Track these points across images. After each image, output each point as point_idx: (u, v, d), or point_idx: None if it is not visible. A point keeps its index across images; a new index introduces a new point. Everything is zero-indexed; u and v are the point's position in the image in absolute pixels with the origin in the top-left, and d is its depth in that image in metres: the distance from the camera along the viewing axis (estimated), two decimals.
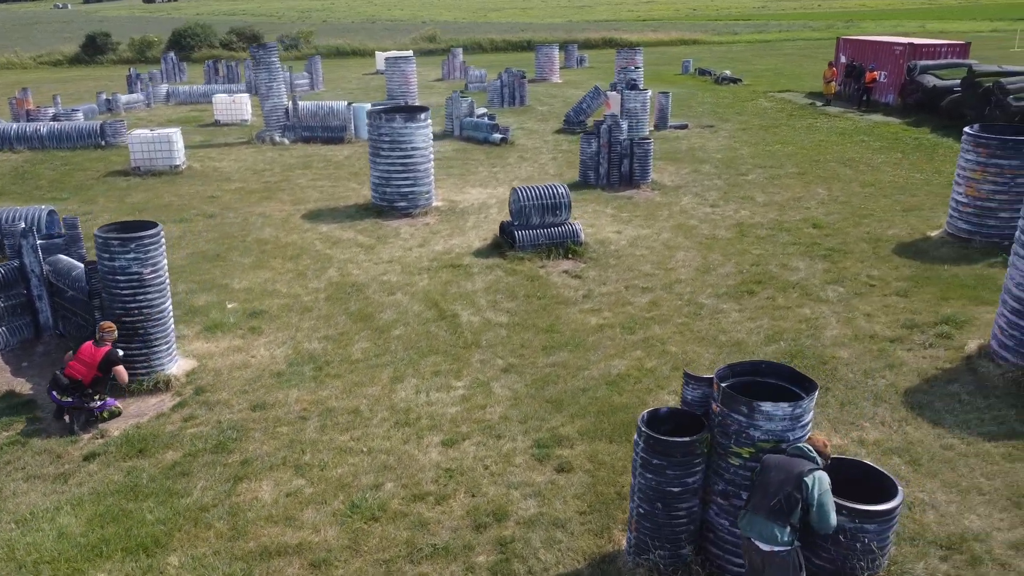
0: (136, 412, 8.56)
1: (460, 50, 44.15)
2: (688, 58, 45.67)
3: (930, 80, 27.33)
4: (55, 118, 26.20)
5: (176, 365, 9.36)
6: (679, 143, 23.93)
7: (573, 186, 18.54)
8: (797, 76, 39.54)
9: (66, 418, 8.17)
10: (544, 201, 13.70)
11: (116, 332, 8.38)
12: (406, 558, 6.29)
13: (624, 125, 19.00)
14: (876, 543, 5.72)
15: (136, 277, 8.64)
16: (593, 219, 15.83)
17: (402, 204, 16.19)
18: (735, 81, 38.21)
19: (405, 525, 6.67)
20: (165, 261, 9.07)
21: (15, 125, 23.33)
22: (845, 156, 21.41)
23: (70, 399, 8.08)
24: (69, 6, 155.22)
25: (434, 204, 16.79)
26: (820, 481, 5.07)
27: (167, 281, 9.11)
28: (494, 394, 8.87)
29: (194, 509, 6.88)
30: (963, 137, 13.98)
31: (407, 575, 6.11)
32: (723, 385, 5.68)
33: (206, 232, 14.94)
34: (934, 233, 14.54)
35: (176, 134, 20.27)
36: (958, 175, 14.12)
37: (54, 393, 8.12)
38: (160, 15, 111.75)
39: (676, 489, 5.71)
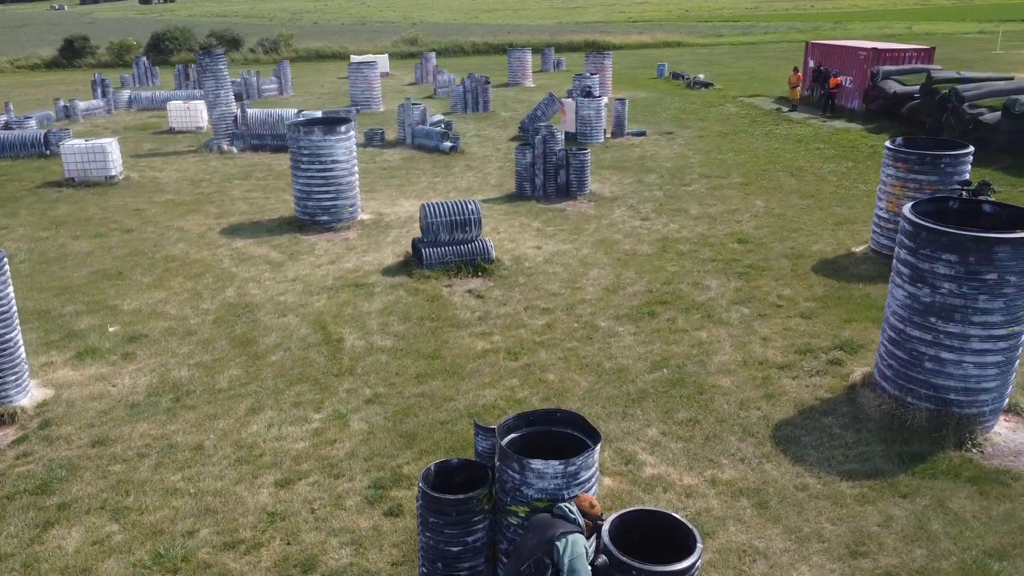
0: None
1: (433, 54, 43.84)
2: (665, 61, 45.30)
3: (891, 86, 26.99)
4: (7, 126, 25.96)
5: (28, 396, 9.06)
6: (632, 151, 23.59)
7: (508, 198, 18.32)
8: (771, 80, 39.13)
9: None
10: (453, 217, 13.38)
11: None
12: None
13: (560, 135, 18.65)
14: None
15: None
16: (517, 233, 15.51)
17: (324, 218, 15.88)
18: (707, 85, 37.86)
19: None
20: (10, 290, 8.75)
21: None
22: (794, 165, 21.06)
23: None
24: (66, 7, 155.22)
25: (359, 217, 16.48)
26: (573, 545, 4.75)
27: (13, 311, 8.79)
28: (349, 427, 8.56)
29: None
30: (884, 152, 13.65)
31: None
32: (501, 441, 5.37)
33: (117, 248, 14.64)
34: (858, 249, 14.21)
35: (112, 144, 19.97)
36: (880, 190, 13.80)
37: None
38: (152, 16, 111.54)
39: (456, 548, 5.39)
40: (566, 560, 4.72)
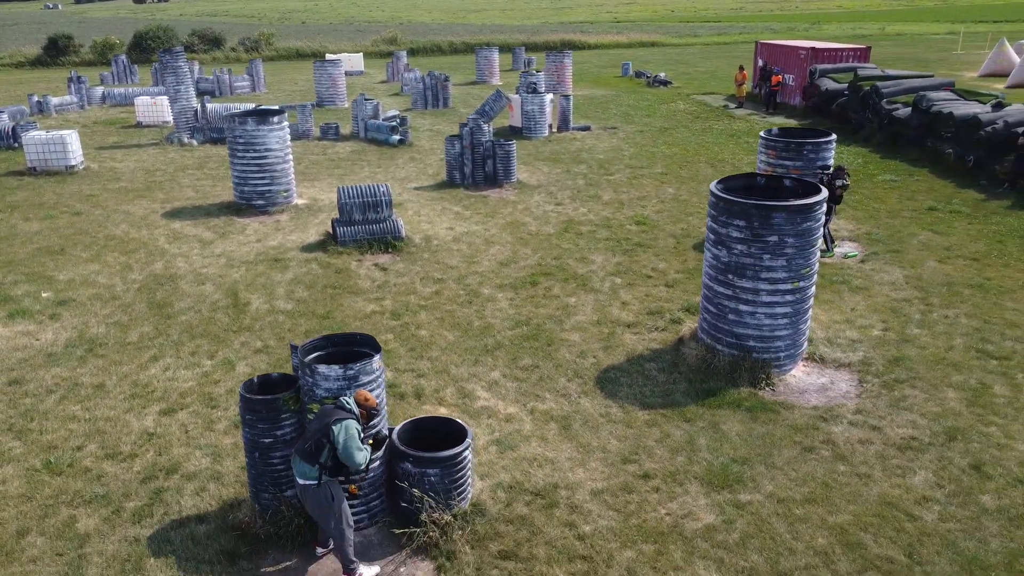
0: None
1: (404, 53, 45.13)
2: (630, 61, 46.67)
3: (826, 83, 28.37)
4: None
5: None
6: (571, 144, 24.92)
7: (439, 185, 19.66)
8: (730, 78, 40.43)
9: None
10: (366, 199, 14.73)
11: None
12: (67, 503, 7.33)
13: (488, 128, 19.97)
14: (442, 484, 6.75)
15: None
16: (436, 216, 16.85)
17: (259, 202, 17.22)
18: (665, 84, 39.21)
19: (83, 479, 7.71)
20: None
21: None
22: (718, 157, 22.41)
23: None
24: (59, 6, 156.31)
25: (294, 202, 17.81)
26: (346, 428, 6.07)
27: None
28: (234, 371, 9.91)
29: None
30: (759, 140, 15.01)
31: (60, 518, 7.14)
32: (304, 356, 6.73)
33: (64, 228, 15.97)
34: None
35: (72, 136, 21.29)
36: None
37: None
38: (144, 16, 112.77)
39: (267, 440, 6.73)
40: (340, 439, 6.04)
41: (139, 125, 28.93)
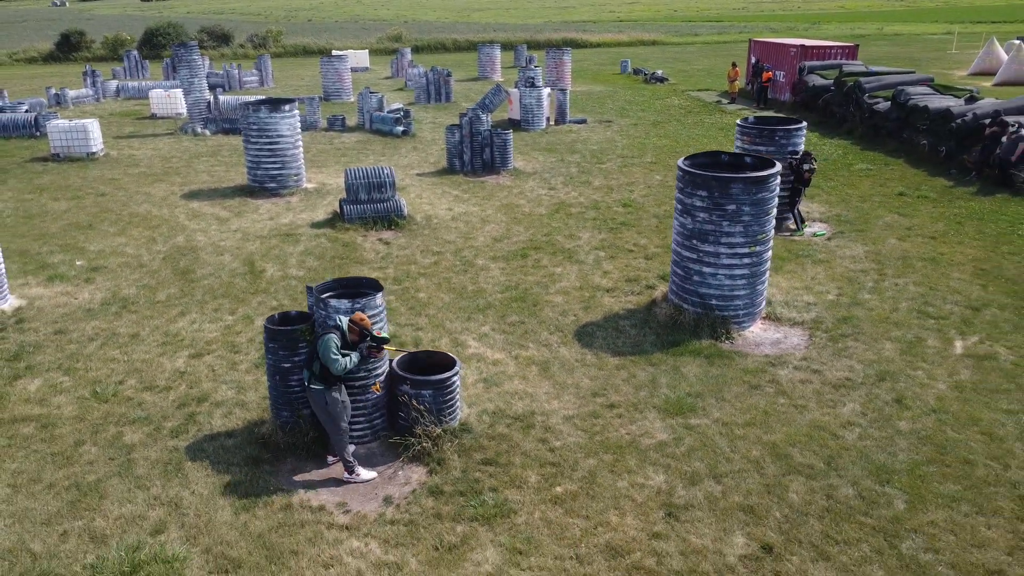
0: None
1: (408, 50, 46.34)
2: (629, 59, 47.85)
3: (814, 80, 29.54)
4: (1, 110, 28.52)
5: (7, 303, 11.64)
6: (567, 136, 26.10)
7: (440, 172, 20.87)
8: (725, 75, 41.67)
9: None
10: (371, 180, 15.95)
11: None
12: (115, 423, 8.55)
13: (486, 119, 21.17)
14: (434, 403, 7.96)
15: None
16: (436, 199, 18.06)
17: (272, 185, 18.45)
18: (662, 80, 40.36)
19: (126, 405, 8.93)
20: None
21: None
22: (707, 148, 23.55)
23: None
24: (67, 3, 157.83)
25: (304, 186, 19.04)
26: (325, 341, 7.25)
27: None
28: (253, 325, 11.13)
29: None
30: (736, 128, 16.18)
31: (109, 433, 8.37)
32: (320, 295, 7.95)
33: (90, 207, 17.22)
34: None
35: (93, 124, 22.55)
36: None
37: None
38: (151, 13, 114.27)
39: (286, 365, 7.94)
40: (321, 351, 7.26)
41: (153, 116, 30.19)
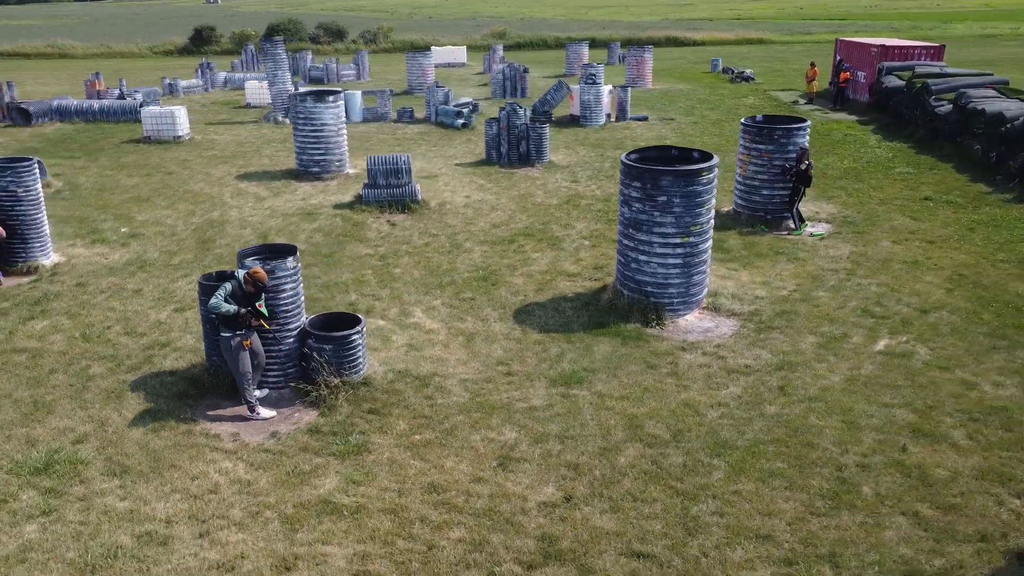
0: (9, 283, 12.89)
1: (500, 46, 47.68)
2: (719, 57, 47.29)
3: (891, 81, 28.64)
4: (120, 97, 31.93)
5: (49, 259, 13.68)
6: (621, 132, 26.60)
7: (478, 163, 21.97)
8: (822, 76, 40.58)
9: None
10: (388, 167, 17.25)
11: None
12: (88, 359, 10.16)
13: (523, 111, 22.07)
14: (334, 357, 9.07)
15: (13, 194, 12.98)
16: (460, 187, 19.17)
17: (315, 169, 20.11)
18: (748, 79, 39.88)
19: (104, 346, 10.56)
20: (39, 185, 13.36)
21: (75, 102, 29.03)
22: None
23: None
24: (219, 1, 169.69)
25: (347, 171, 20.60)
26: (219, 291, 8.46)
27: (40, 198, 13.40)
28: None
29: None
30: (740, 127, 16.40)
31: (80, 366, 9.97)
32: (242, 257, 9.22)
33: (155, 183, 19.42)
34: (725, 208, 16.99)
35: (180, 111, 25.09)
36: (738, 159, 16.55)
37: None
38: (290, 10, 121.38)
39: (213, 315, 9.26)
40: (213, 297, 8.48)
41: (248, 106, 32.84)
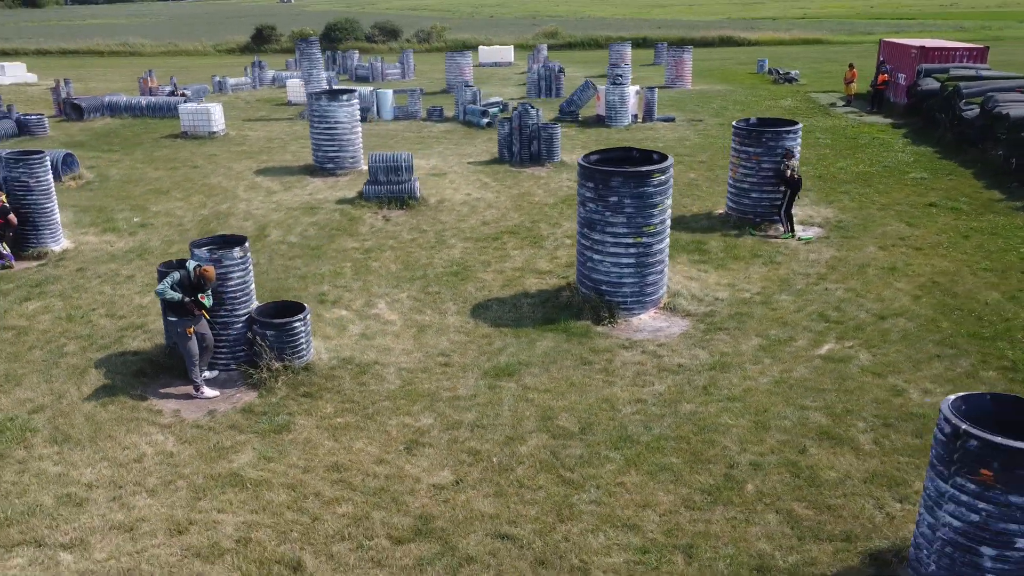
0: (19, 267, 13.93)
1: (544, 46, 48.04)
2: (776, 57, 46.64)
3: (928, 83, 27.92)
4: (171, 94, 33.50)
5: (59, 245, 14.70)
6: (644, 133, 26.67)
7: (489, 162, 22.40)
8: (863, 77, 39.64)
9: None
10: (389, 164, 17.83)
11: (7, 206, 13.73)
12: (66, 337, 10.99)
13: (535, 111, 22.39)
14: (276, 343, 9.64)
15: (25, 184, 14.01)
16: (464, 184, 19.63)
17: (329, 166, 20.86)
18: (791, 81, 39.30)
19: (84, 326, 11.39)
20: (49, 176, 14.37)
21: (124, 98, 30.61)
22: None
23: None
24: (292, 0, 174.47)
25: (360, 167, 21.29)
26: (167, 279, 9.09)
27: (51, 189, 14.42)
28: None
29: None
30: (732, 129, 16.41)
31: (57, 344, 10.80)
32: (194, 247, 9.87)
33: (177, 177, 20.47)
34: (719, 211, 17.02)
35: (216, 108, 26.25)
36: (731, 163, 16.56)
37: None
38: (356, 9, 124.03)
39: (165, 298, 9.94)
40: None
41: (289, 103, 34.00)
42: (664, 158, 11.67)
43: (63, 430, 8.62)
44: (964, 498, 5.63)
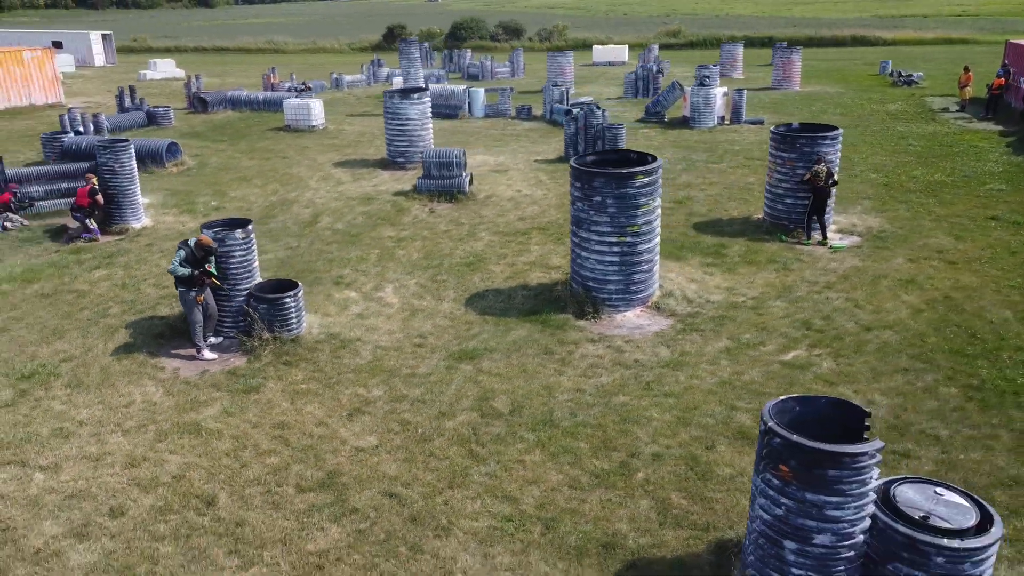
0: (103, 241, 16.01)
1: (656, 45, 47.81)
2: (902, 58, 44.36)
3: None
4: (290, 89, 36.22)
5: (139, 223, 16.72)
6: (723, 135, 26.48)
7: (554, 160, 23.04)
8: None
9: (68, 231, 15.89)
10: (442, 160, 18.88)
11: (97, 187, 15.81)
12: (114, 301, 12.70)
13: (603, 112, 22.79)
14: (267, 316, 10.85)
15: (111, 169, 16.08)
16: (518, 182, 20.39)
17: (400, 160, 22.21)
18: (911, 83, 37.45)
19: (132, 293, 13.08)
20: (134, 162, 16.38)
21: (244, 92, 33.43)
22: (847, 157, 22.63)
23: (78, 214, 15.68)
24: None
25: None
26: (175, 258, 10.41)
27: (134, 173, 16.44)
28: (265, 256, 14.78)
29: (66, 277, 13.95)
30: (770, 135, 16.29)
31: (105, 306, 12.52)
32: (205, 227, 11.22)
33: (264, 166, 22.43)
34: (758, 215, 16.93)
35: (316, 103, 28.31)
36: (769, 168, 16.44)
37: (73, 214, 15.83)
38: (496, 8, 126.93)
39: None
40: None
41: None
42: (653, 160, 11.99)
43: (79, 377, 10.17)
44: (771, 492, 5.90)
